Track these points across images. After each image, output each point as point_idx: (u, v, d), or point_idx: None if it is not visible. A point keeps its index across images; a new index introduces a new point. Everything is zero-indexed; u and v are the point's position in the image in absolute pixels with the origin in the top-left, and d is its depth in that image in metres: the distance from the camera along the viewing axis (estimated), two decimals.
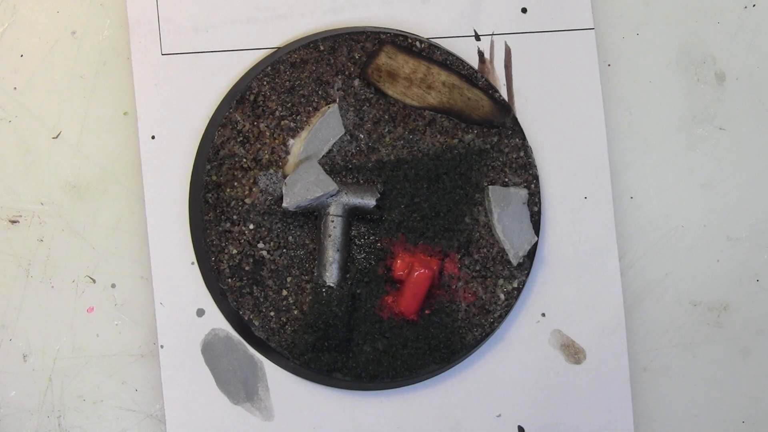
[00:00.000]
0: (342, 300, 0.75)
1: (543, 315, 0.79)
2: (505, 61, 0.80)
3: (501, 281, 0.77)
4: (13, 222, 0.76)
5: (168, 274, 0.76)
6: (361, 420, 0.78)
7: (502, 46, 0.80)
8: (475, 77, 0.78)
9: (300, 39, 0.78)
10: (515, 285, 0.77)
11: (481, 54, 0.80)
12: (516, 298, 0.77)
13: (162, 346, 0.76)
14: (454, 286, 0.77)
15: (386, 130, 0.77)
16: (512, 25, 0.80)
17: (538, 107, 0.80)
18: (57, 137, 0.77)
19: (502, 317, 0.77)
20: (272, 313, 0.75)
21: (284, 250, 0.76)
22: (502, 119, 0.78)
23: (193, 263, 0.76)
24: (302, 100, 0.77)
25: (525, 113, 0.80)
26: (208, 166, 0.75)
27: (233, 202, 0.75)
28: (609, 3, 0.82)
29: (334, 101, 0.77)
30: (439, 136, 0.77)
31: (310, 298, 0.75)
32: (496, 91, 0.78)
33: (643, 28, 0.83)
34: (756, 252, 0.82)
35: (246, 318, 0.75)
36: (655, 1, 0.83)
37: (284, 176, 0.76)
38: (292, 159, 0.76)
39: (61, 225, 0.77)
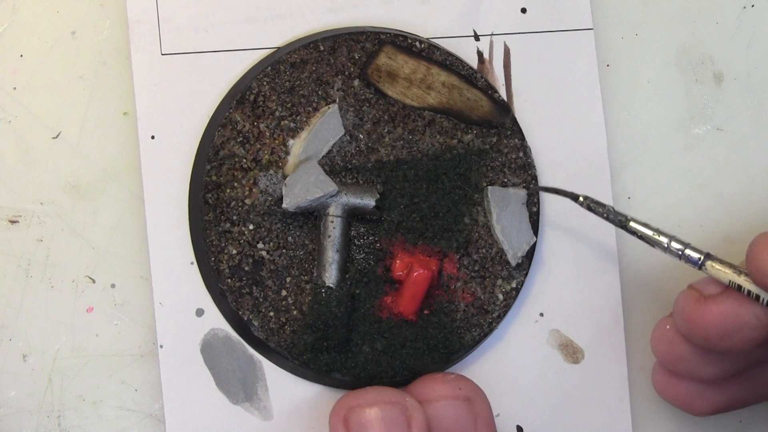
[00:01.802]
0: (341, 300, 0.75)
1: (541, 315, 0.79)
2: (504, 61, 0.80)
3: (500, 281, 0.77)
4: (13, 222, 0.76)
5: (167, 274, 0.76)
6: None
7: (501, 47, 0.80)
8: (475, 77, 0.78)
9: (300, 39, 0.78)
10: (514, 285, 0.77)
11: (480, 54, 0.80)
12: (514, 298, 0.78)
13: (161, 346, 0.76)
14: (452, 287, 0.77)
15: (386, 130, 0.77)
16: (512, 26, 0.80)
17: (538, 107, 0.80)
18: (57, 137, 0.77)
19: (500, 317, 0.77)
20: (271, 314, 0.75)
21: (284, 251, 0.76)
22: (501, 119, 0.78)
23: (192, 263, 0.76)
24: (302, 100, 0.76)
25: (524, 113, 0.80)
26: (208, 167, 0.75)
27: (233, 203, 0.75)
28: (608, 3, 0.82)
29: (334, 101, 0.77)
30: (438, 137, 0.77)
31: (310, 298, 0.75)
32: (496, 91, 0.78)
33: (642, 28, 0.83)
34: None
35: (245, 318, 0.75)
36: (654, 1, 0.83)
37: (284, 177, 0.76)
38: (292, 159, 0.76)
39: (60, 225, 0.76)
